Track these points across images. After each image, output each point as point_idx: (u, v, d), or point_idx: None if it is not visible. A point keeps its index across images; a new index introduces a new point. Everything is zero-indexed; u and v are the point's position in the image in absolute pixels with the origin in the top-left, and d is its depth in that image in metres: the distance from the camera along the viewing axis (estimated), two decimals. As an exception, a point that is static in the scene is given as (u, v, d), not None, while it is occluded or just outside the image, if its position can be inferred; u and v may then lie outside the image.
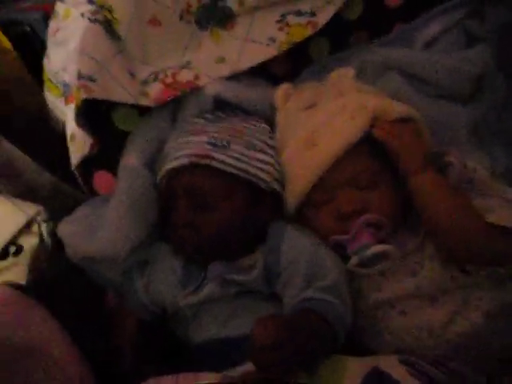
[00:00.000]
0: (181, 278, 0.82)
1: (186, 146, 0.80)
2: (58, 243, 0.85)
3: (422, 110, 0.81)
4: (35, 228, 0.86)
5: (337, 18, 0.93)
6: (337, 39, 0.96)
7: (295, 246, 0.77)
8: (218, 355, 0.77)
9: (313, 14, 0.85)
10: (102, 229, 0.78)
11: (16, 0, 1.10)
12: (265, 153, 0.82)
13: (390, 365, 0.72)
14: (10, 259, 0.83)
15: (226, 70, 0.86)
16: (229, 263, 0.79)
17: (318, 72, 0.94)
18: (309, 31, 0.86)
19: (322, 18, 0.86)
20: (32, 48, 1.01)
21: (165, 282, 0.83)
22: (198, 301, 0.79)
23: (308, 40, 0.92)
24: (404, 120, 0.76)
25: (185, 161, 0.78)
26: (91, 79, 0.76)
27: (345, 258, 0.78)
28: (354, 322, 0.80)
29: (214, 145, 0.79)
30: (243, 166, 0.79)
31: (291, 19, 0.86)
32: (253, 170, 0.79)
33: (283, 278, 0.76)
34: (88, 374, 0.75)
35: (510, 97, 0.91)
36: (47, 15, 0.96)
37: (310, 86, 0.89)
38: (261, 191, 0.81)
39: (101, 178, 0.88)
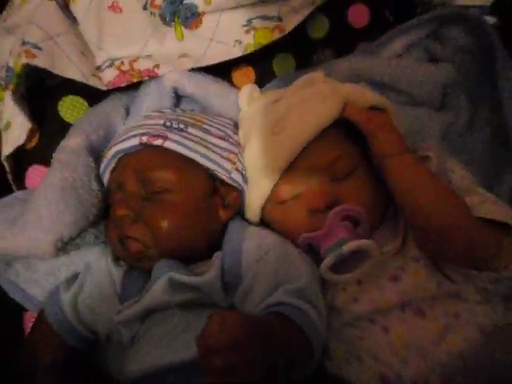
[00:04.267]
0: (120, 292, 0.64)
1: (138, 128, 0.67)
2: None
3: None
4: None
5: (303, 35, 0.89)
6: (302, 56, 0.89)
7: (260, 245, 0.62)
8: None
9: (280, 19, 0.80)
10: (24, 219, 0.61)
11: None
12: (226, 141, 0.69)
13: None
14: None
15: (188, 64, 0.76)
16: (179, 263, 0.62)
17: (281, 86, 0.87)
18: (275, 35, 0.80)
19: (289, 25, 0.80)
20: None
21: (99, 296, 0.65)
22: (139, 311, 0.60)
23: (272, 55, 0.87)
24: (378, 109, 0.68)
25: (135, 141, 0.65)
26: (36, 47, 0.64)
27: (318, 264, 0.64)
28: (327, 345, 0.64)
29: (169, 127, 0.66)
30: (201, 149, 0.65)
31: (258, 23, 0.79)
32: (212, 155, 0.66)
33: (245, 283, 0.60)
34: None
35: (472, 120, 0.87)
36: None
37: (275, 89, 0.81)
38: (220, 182, 0.67)
39: (35, 173, 0.72)
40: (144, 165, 0.63)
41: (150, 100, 0.74)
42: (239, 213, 0.70)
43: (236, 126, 0.75)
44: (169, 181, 0.63)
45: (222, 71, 0.84)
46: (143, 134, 0.64)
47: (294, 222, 0.65)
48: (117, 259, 0.67)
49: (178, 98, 0.80)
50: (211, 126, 0.70)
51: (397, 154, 0.61)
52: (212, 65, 0.80)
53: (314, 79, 0.71)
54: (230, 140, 0.69)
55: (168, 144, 0.64)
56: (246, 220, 0.70)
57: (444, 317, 0.61)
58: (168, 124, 0.66)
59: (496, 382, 0.58)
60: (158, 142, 0.63)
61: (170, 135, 0.64)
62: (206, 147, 0.65)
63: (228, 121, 0.75)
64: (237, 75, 0.86)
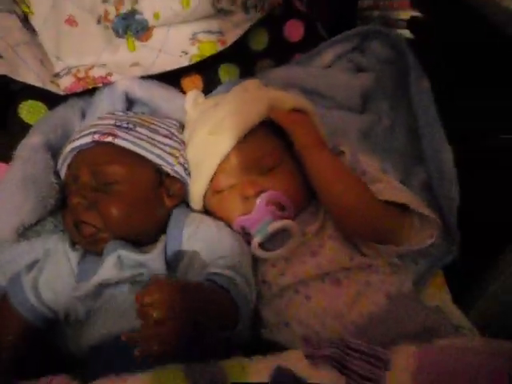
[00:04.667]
0: (77, 272, 0.72)
1: (91, 127, 0.76)
2: None
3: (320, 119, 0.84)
4: None
5: (245, 48, 1.00)
6: (244, 66, 0.99)
7: (198, 228, 0.71)
8: (115, 356, 0.63)
9: (221, 34, 0.90)
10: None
11: None
12: (171, 139, 0.79)
13: (294, 361, 0.64)
14: None
15: (138, 72, 0.85)
16: (128, 243, 0.71)
17: (225, 92, 0.97)
18: (218, 47, 0.90)
19: (230, 38, 0.91)
20: None
21: (57, 276, 0.71)
22: (92, 286, 0.67)
23: (218, 65, 0.97)
24: (299, 111, 0.79)
25: (88, 139, 0.73)
26: (-2, 55, 0.72)
27: (249, 241, 0.74)
28: (260, 315, 0.74)
29: (119, 126, 0.75)
30: (147, 145, 0.74)
31: (202, 36, 0.89)
32: (157, 151, 0.75)
33: (184, 261, 0.69)
34: None
35: (395, 123, 0.99)
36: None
37: (217, 94, 0.91)
38: (165, 174, 0.76)
39: (-4, 170, 0.79)
40: (96, 160, 0.72)
41: (104, 103, 0.83)
42: (185, 202, 0.79)
43: (182, 126, 0.85)
44: (118, 173, 0.72)
45: (172, 79, 0.93)
46: (95, 133, 0.73)
47: (229, 208, 0.75)
48: (73, 244, 0.75)
49: (130, 102, 0.88)
50: (158, 126, 0.80)
51: (313, 147, 0.72)
52: (163, 73, 0.89)
53: (248, 87, 0.82)
54: (175, 138, 0.79)
55: (118, 141, 0.73)
56: (191, 208, 0.80)
57: (357, 285, 0.70)
58: (118, 124, 0.75)
59: (398, 337, 0.70)
60: (109, 139, 0.72)
61: (120, 133, 0.73)
62: (152, 144, 0.75)
63: (174, 122, 0.84)
64: (186, 82, 0.95)
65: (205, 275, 0.65)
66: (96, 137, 0.72)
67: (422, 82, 0.89)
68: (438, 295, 0.84)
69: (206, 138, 0.76)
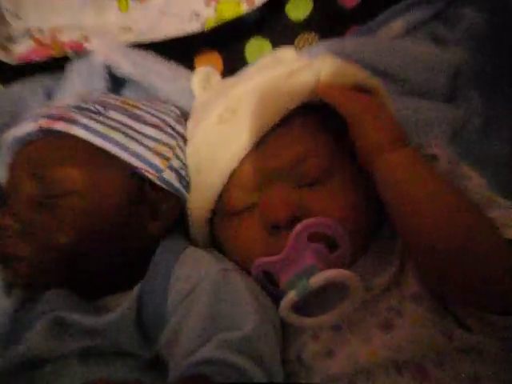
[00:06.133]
0: (8, 327, 0.46)
1: (42, 111, 0.49)
2: None
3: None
4: None
5: (281, 17, 0.73)
6: (279, 41, 0.72)
7: (194, 275, 0.43)
8: None
9: (249, -10, 0.64)
10: None
11: None
12: (162, 131, 0.51)
13: None
14: None
15: (128, 37, 0.60)
16: (73, 295, 0.44)
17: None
18: (243, 8, 0.64)
19: (260, -2, 0.65)
20: None
21: None
22: (14, 361, 0.41)
23: (244, 39, 0.71)
24: (363, 91, 0.49)
25: (33, 126, 0.47)
26: None
27: (276, 298, 0.45)
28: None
29: (81, 108, 0.48)
30: (121, 138, 0.47)
31: (221, -8, 0.64)
32: (137, 148, 0.47)
33: (171, 326, 0.41)
34: None
35: (491, 121, 0.69)
36: None
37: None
38: (148, 184, 0.49)
39: None
40: (41, 159, 0.45)
41: (76, 82, 0.58)
42: (179, 229, 0.52)
43: (185, 115, 0.58)
44: (72, 181, 0.45)
45: (179, 55, 0.67)
46: (44, 117, 0.47)
47: (247, 242, 0.46)
48: (9, 285, 0.49)
49: (117, 81, 0.62)
50: (146, 111, 0.52)
51: (389, 148, 0.43)
52: (166, 43, 0.64)
53: (282, 56, 0.54)
54: (169, 130, 0.51)
55: (75, 130, 0.46)
56: (190, 239, 0.52)
57: (457, 381, 0.42)
58: (81, 105, 0.48)
59: None
60: (60, 126, 0.45)
61: (80, 118, 0.46)
62: (129, 136, 0.47)
63: (173, 108, 0.57)
64: (200, 60, 0.69)
65: (193, 363, 0.37)
66: (43, 122, 0.46)
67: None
68: None
69: (215, 128, 0.48)
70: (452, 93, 0.64)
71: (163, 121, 0.52)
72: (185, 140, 0.54)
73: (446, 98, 0.63)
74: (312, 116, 0.47)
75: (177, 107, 0.58)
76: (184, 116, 0.59)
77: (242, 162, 0.47)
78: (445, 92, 0.63)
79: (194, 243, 0.52)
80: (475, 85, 0.68)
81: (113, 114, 0.49)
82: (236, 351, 0.38)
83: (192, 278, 0.42)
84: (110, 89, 0.61)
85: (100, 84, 0.58)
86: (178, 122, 0.55)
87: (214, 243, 0.53)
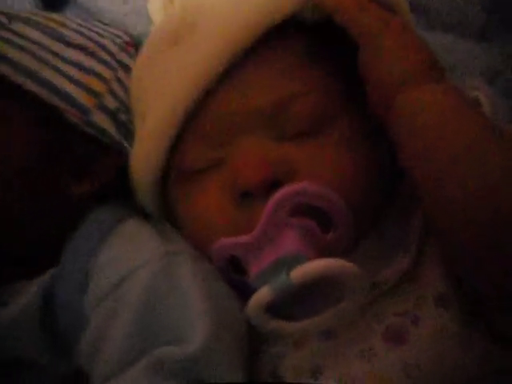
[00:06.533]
0: None
1: None
2: None
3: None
4: None
5: None
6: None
7: (125, 261, 0.31)
8: None
9: None
10: None
11: None
12: (93, 56, 0.37)
13: None
14: None
15: None
16: None
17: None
18: None
19: None
20: None
21: None
22: None
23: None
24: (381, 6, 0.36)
25: None
26: None
27: (246, 293, 0.32)
28: None
29: None
30: (26, 60, 0.33)
31: None
32: (53, 77, 0.34)
33: (89, 332, 0.29)
34: None
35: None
36: None
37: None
38: (73, 130, 0.35)
39: None
40: None
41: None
42: (116, 196, 0.38)
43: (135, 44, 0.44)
44: None
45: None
46: None
47: (206, 214, 0.33)
48: None
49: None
50: (77, 31, 0.38)
51: (418, 82, 0.29)
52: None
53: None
54: (100, 55, 0.37)
55: None
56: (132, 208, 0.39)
57: None
58: None
59: None
60: None
61: None
62: (41, 60, 0.33)
63: (122, 33, 0.42)
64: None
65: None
66: None
67: None
68: None
69: (166, 52, 0.34)
70: (484, 29, 0.50)
71: (99, 45, 0.38)
72: (128, 72, 0.40)
73: (478, 36, 0.50)
74: (302, 38, 0.34)
75: (125, 32, 0.44)
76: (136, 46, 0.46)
77: (204, 101, 0.33)
78: (474, 26, 0.48)
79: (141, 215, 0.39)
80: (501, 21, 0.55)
81: (21, 27, 0.34)
82: (174, 376, 0.25)
83: (122, 264, 0.30)
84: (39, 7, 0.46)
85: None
86: (122, 49, 0.40)
87: (167, 214, 0.40)
